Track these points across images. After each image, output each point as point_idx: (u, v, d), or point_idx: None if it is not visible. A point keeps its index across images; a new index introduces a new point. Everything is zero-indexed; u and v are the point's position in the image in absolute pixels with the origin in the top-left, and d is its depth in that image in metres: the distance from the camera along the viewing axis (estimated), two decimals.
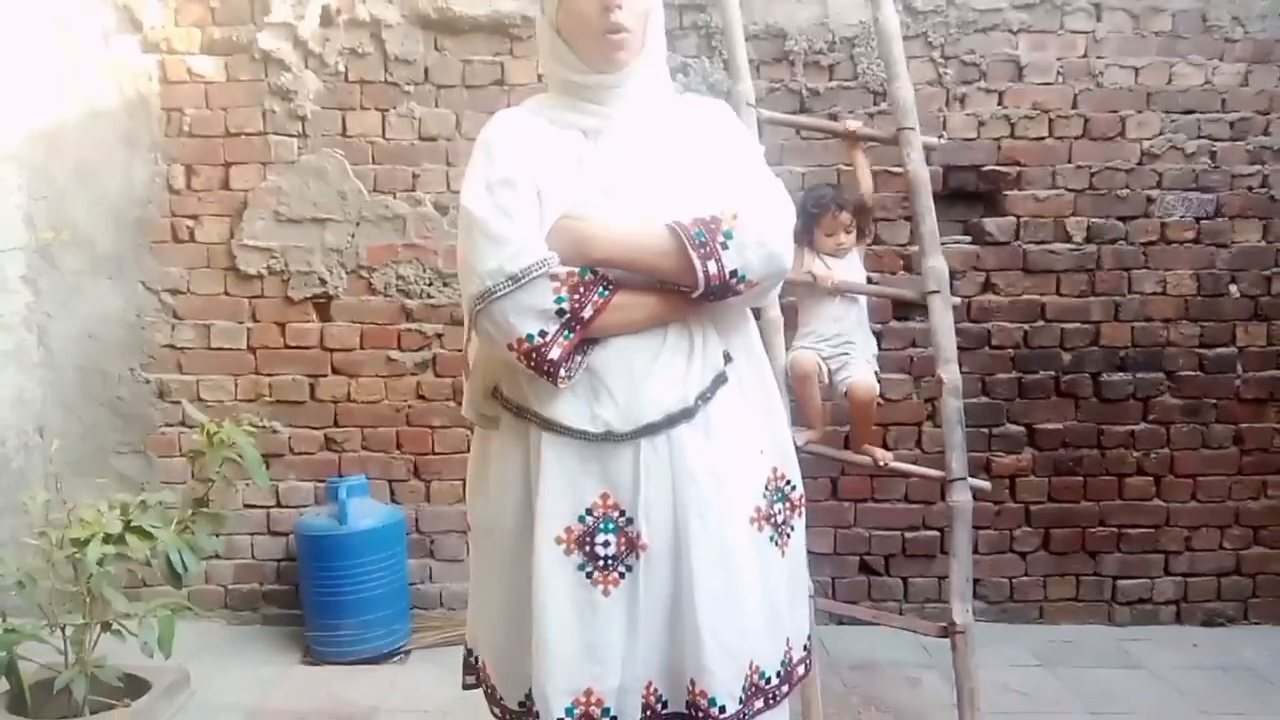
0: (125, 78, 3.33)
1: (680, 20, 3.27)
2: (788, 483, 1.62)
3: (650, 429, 1.45)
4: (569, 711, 1.46)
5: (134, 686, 2.51)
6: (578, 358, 1.44)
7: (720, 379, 1.52)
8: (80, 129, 3.34)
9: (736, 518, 1.51)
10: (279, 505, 3.40)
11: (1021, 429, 3.38)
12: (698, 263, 1.42)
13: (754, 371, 1.60)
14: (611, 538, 1.47)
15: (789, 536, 1.60)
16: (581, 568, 1.47)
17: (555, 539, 1.47)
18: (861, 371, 2.73)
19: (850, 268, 2.80)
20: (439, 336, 3.38)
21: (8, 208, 3.32)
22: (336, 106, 3.34)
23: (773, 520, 1.57)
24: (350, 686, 2.94)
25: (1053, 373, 3.38)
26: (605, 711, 1.47)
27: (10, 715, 2.35)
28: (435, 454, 3.40)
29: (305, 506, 3.36)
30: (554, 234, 1.45)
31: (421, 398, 3.39)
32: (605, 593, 1.46)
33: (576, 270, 1.43)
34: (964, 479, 2.66)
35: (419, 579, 3.40)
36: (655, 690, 1.51)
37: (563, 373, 1.43)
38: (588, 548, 1.47)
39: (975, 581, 2.71)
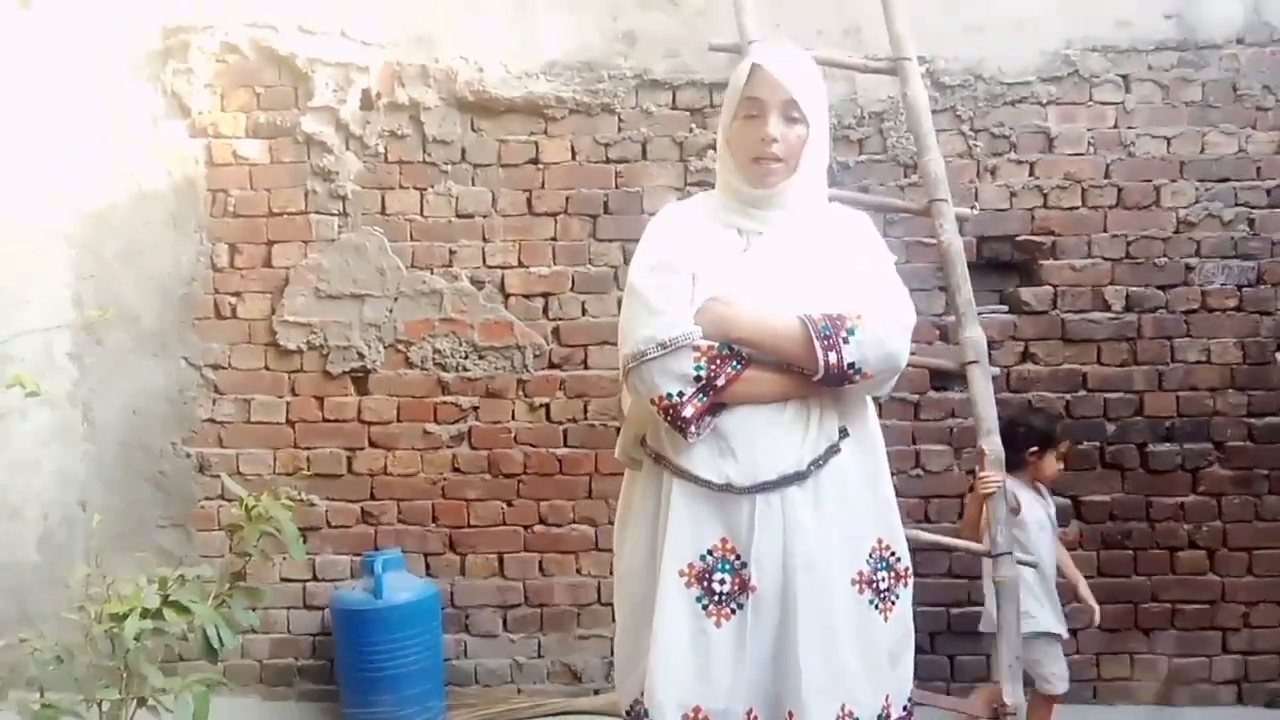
0: (173, 161, 3.44)
1: (710, 98, 3.33)
2: (893, 554, 1.80)
3: (765, 486, 1.68)
4: None
5: None
6: (708, 418, 1.69)
7: (833, 449, 1.73)
8: (129, 210, 3.44)
9: (839, 575, 1.71)
10: (315, 579, 3.39)
11: (1067, 501, 3.30)
12: (820, 352, 1.66)
13: (865, 449, 1.79)
14: (727, 577, 1.70)
15: (893, 603, 1.78)
16: (699, 600, 1.70)
17: (679, 571, 1.70)
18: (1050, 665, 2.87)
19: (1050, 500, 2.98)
20: (474, 409, 3.40)
21: (56, 286, 3.41)
22: (376, 186, 3.42)
23: (875, 586, 1.75)
24: None
25: (1097, 443, 3.32)
26: None
27: None
28: (470, 527, 3.39)
29: (341, 580, 3.34)
30: (702, 313, 1.70)
31: (457, 470, 3.39)
32: (718, 624, 1.69)
33: (716, 345, 1.68)
34: (1010, 553, 2.61)
35: (454, 655, 3.36)
36: (755, 717, 1.70)
37: (692, 429, 1.68)
38: (706, 583, 1.70)
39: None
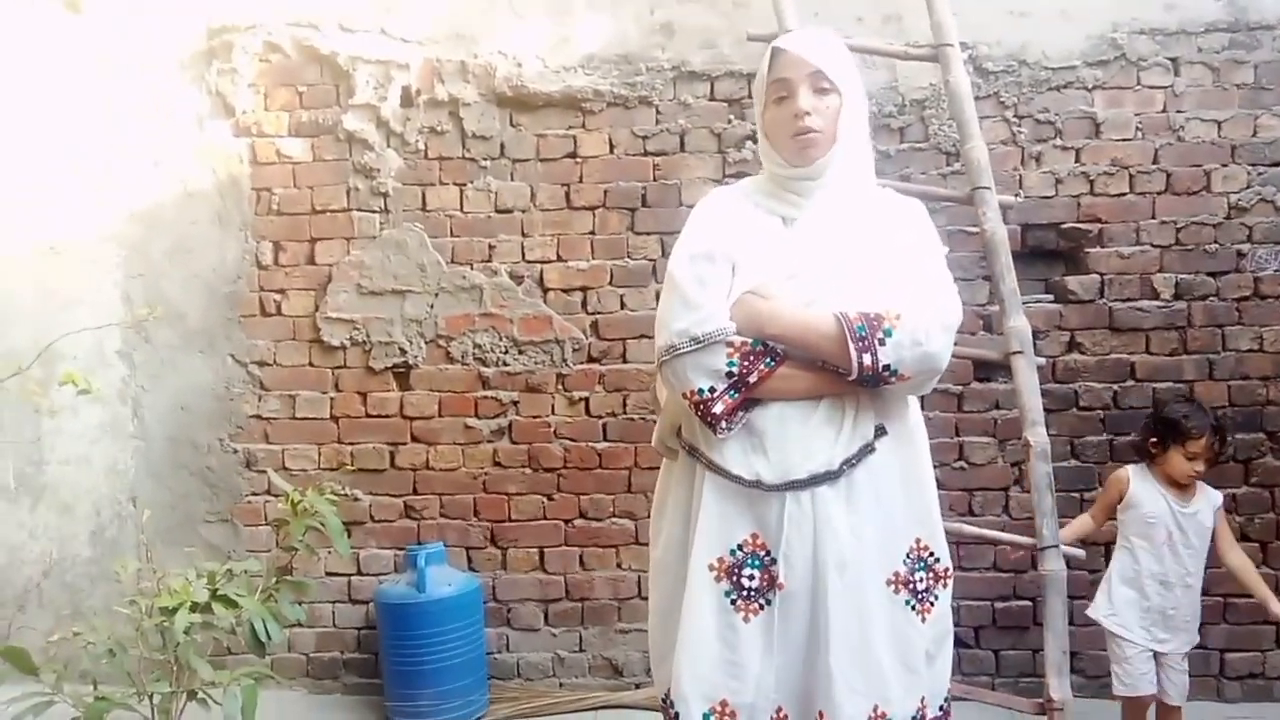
0: (218, 160, 3.49)
1: (749, 89, 3.31)
2: (931, 554, 1.76)
3: (795, 485, 1.65)
4: (705, 717, 1.67)
5: None
6: (740, 414, 1.67)
7: (867, 449, 1.69)
8: (176, 209, 3.50)
9: (873, 575, 1.69)
10: (360, 573, 3.43)
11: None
12: (854, 353, 1.62)
13: (904, 448, 1.75)
14: (756, 572, 1.68)
15: (931, 604, 1.75)
16: (728, 594, 1.69)
17: (708, 565, 1.69)
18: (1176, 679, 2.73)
19: (1197, 502, 2.73)
20: (515, 404, 3.41)
21: (106, 285, 3.48)
22: (416, 182, 3.45)
23: (911, 587, 1.73)
24: None
25: None
26: None
27: None
28: (511, 521, 3.41)
29: (385, 574, 3.38)
30: (737, 306, 1.68)
31: (498, 464, 3.41)
32: (745, 619, 1.68)
33: (750, 341, 1.66)
34: (1056, 547, 2.57)
35: (496, 648, 3.38)
36: (785, 715, 1.69)
37: (723, 425, 1.66)
38: (735, 577, 1.69)
39: (1072, 655, 2.59)
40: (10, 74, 3.47)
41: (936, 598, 1.75)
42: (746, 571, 1.67)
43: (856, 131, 1.77)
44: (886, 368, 1.62)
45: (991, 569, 3.26)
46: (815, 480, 1.64)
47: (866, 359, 1.61)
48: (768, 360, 1.65)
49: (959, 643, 3.24)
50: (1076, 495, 3.21)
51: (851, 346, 1.61)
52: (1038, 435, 2.62)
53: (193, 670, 2.37)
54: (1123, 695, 2.74)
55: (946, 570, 1.78)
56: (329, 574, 3.41)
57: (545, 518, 3.40)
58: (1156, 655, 2.70)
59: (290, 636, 3.34)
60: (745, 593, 1.67)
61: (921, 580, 1.73)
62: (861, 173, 1.80)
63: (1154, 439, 2.74)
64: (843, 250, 1.71)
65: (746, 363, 1.64)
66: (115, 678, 2.40)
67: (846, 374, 1.64)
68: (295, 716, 3.19)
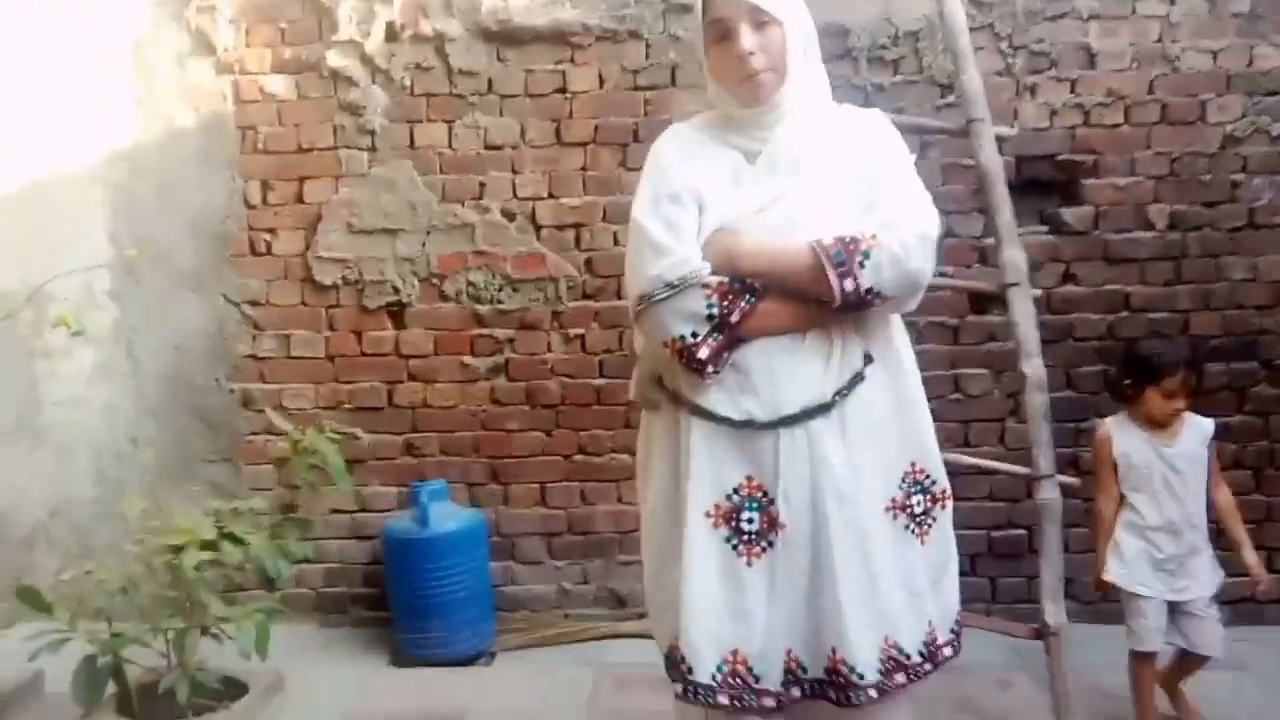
0: (201, 98, 3.43)
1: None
2: (927, 477, 1.73)
3: (789, 420, 1.61)
4: (719, 668, 1.62)
5: (232, 688, 2.57)
6: (725, 355, 1.62)
7: (857, 378, 1.65)
8: (159, 149, 3.44)
9: (872, 505, 1.65)
10: (364, 510, 3.45)
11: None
12: (834, 280, 1.57)
13: (893, 373, 1.71)
14: (755, 515, 1.63)
15: (929, 527, 1.72)
16: (728, 540, 1.64)
17: (705, 513, 1.64)
18: (1207, 615, 2.53)
19: (1184, 439, 2.53)
20: (510, 341, 3.41)
21: (94, 226, 3.43)
22: (404, 119, 3.40)
23: (909, 510, 1.70)
24: (440, 688, 2.98)
25: None
26: (750, 670, 1.63)
27: (119, 717, 2.41)
28: (512, 457, 3.43)
29: (389, 511, 3.41)
30: (709, 245, 1.64)
31: (496, 402, 3.42)
32: (749, 563, 1.63)
33: (726, 279, 1.61)
34: (1052, 476, 2.61)
35: (501, 582, 3.43)
36: (795, 657, 1.65)
37: (710, 369, 1.61)
38: (734, 523, 1.64)
39: (1066, 581, 2.64)
40: None
41: (935, 520, 1.73)
42: (745, 515, 1.63)
43: (808, 59, 1.71)
44: (869, 290, 1.58)
45: (987, 498, 3.31)
46: (809, 414, 1.60)
47: (848, 284, 1.57)
48: (747, 297, 1.60)
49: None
50: (1072, 425, 3.24)
51: (831, 273, 1.57)
52: (1034, 366, 2.64)
53: (204, 606, 2.40)
54: (1138, 650, 2.55)
55: (945, 492, 1.74)
56: (334, 511, 3.41)
57: (545, 454, 3.43)
58: (1178, 605, 2.53)
59: (299, 573, 3.36)
60: (746, 537, 1.63)
61: (919, 504, 1.70)
62: (817, 95, 1.74)
63: (1127, 381, 2.58)
64: (809, 178, 1.66)
65: (726, 302, 1.59)
66: (128, 614, 2.43)
67: (829, 302, 1.59)
68: (307, 650, 3.23)
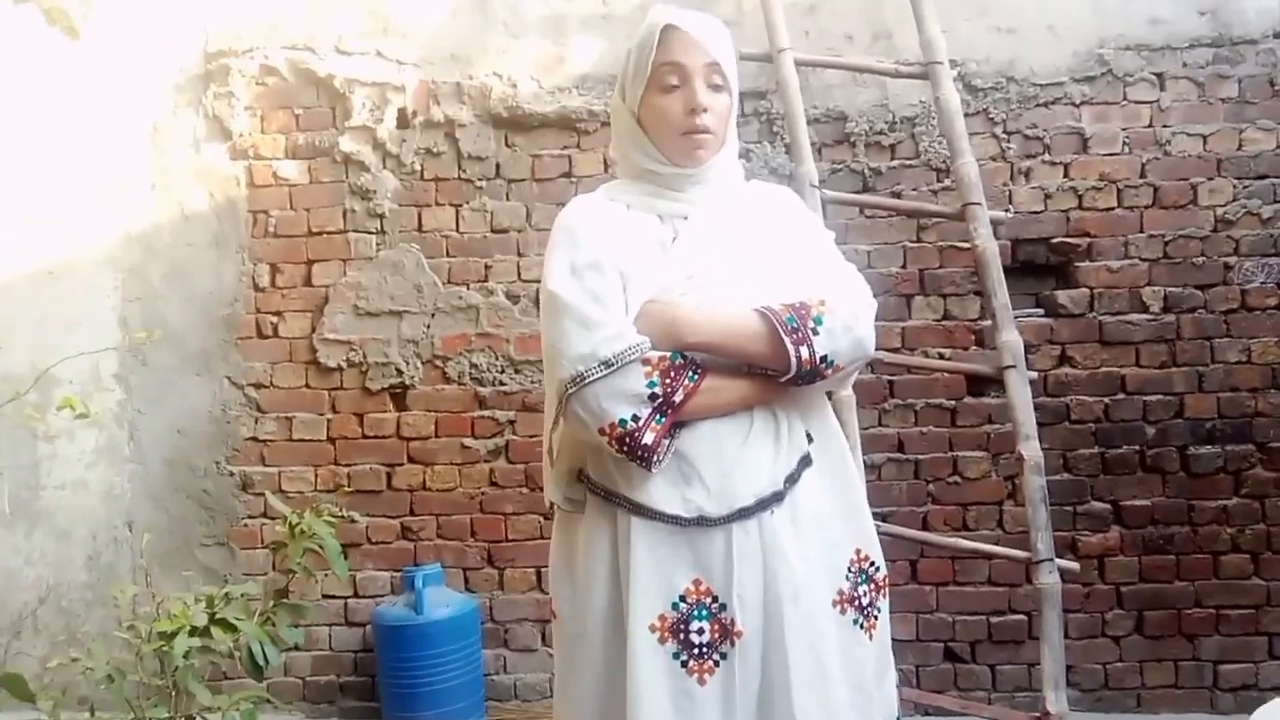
0: (215, 183, 3.51)
1: (743, 108, 3.34)
2: (871, 564, 1.60)
3: (743, 513, 1.45)
4: None
5: None
6: (669, 441, 1.45)
7: (805, 460, 1.53)
8: (173, 232, 3.51)
9: (822, 600, 1.51)
10: (357, 595, 3.43)
11: (1107, 506, 3.27)
12: (790, 348, 1.45)
13: (832, 452, 1.59)
14: (705, 625, 1.46)
15: (875, 619, 1.59)
16: (676, 656, 1.46)
17: (649, 627, 1.45)
18: None
19: None
20: (511, 423, 3.42)
21: (104, 309, 3.49)
22: (413, 203, 3.47)
23: (856, 603, 1.56)
24: None
25: (1137, 447, 3.27)
26: None
27: None
28: (509, 540, 3.41)
29: (382, 596, 3.38)
30: (644, 318, 1.47)
31: (495, 484, 3.42)
32: (701, 681, 1.45)
33: (668, 355, 1.45)
34: (1051, 560, 2.59)
35: (494, 670, 3.38)
36: None
37: (655, 457, 1.44)
38: (682, 635, 1.46)
39: (1067, 668, 2.60)
40: (8, 99, 3.49)
41: (880, 611, 1.60)
42: (694, 626, 1.45)
43: (734, 132, 1.64)
44: (824, 359, 1.46)
45: (986, 583, 3.26)
46: (763, 505, 1.46)
47: (804, 351, 1.45)
48: (690, 374, 1.45)
49: (955, 657, 3.29)
50: (1070, 509, 3.24)
51: (786, 340, 1.44)
52: (1031, 449, 2.64)
53: (191, 695, 2.38)
54: None
55: (885, 579, 1.62)
56: (326, 596, 3.40)
57: (543, 537, 3.40)
58: None
59: (287, 660, 3.34)
60: (696, 650, 1.45)
61: (865, 594, 1.57)
62: (735, 167, 1.67)
63: None
64: (736, 244, 1.55)
65: (669, 379, 1.43)
66: (113, 704, 2.41)
67: (781, 373, 1.47)
68: None
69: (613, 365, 1.42)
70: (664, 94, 1.54)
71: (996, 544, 2.97)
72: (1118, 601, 3.27)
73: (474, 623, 3.23)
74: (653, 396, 1.43)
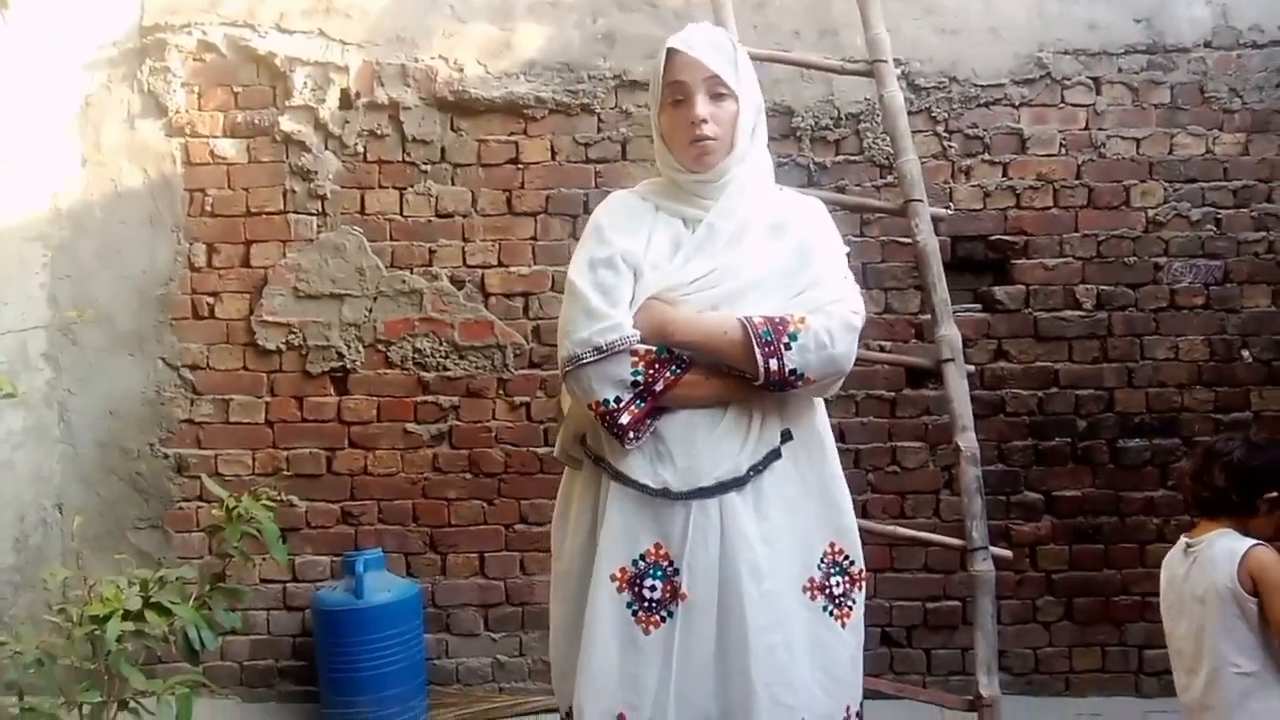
0: (149, 160, 3.42)
1: None
2: (846, 558, 1.74)
3: (702, 492, 1.63)
4: None
5: None
6: (647, 423, 1.64)
7: (774, 454, 1.67)
8: (106, 209, 3.42)
9: (789, 583, 1.66)
10: (295, 580, 3.38)
11: (1040, 496, 3.37)
12: (760, 358, 1.61)
13: (812, 450, 1.74)
14: (659, 583, 1.64)
15: (850, 609, 1.73)
16: (629, 605, 1.64)
17: (611, 576, 1.65)
18: None
19: None
20: (455, 409, 3.40)
21: (32, 286, 3.38)
22: (355, 186, 3.42)
23: (828, 592, 1.71)
24: None
25: (1069, 439, 3.37)
26: None
27: None
28: (451, 526, 3.39)
29: (322, 581, 3.33)
30: (642, 313, 1.66)
31: (438, 470, 3.40)
32: (646, 631, 1.63)
33: (654, 349, 1.64)
34: (985, 548, 2.65)
35: (435, 654, 3.36)
36: None
37: (630, 435, 1.63)
38: (637, 589, 1.65)
39: (1000, 653, 2.67)
40: None
41: (854, 602, 1.74)
42: (648, 582, 1.63)
43: (755, 137, 1.77)
44: (793, 372, 1.62)
45: (923, 569, 3.35)
46: (723, 487, 1.62)
47: (773, 364, 1.61)
48: (674, 368, 1.64)
49: (891, 642, 3.36)
50: (1004, 498, 3.32)
51: (758, 352, 1.60)
52: (968, 440, 2.70)
53: (124, 679, 2.31)
54: None
55: (861, 573, 1.76)
56: (264, 581, 3.34)
57: (486, 522, 3.40)
58: None
59: (224, 644, 3.27)
60: (647, 604, 1.63)
61: (838, 585, 1.71)
62: (761, 175, 1.80)
63: (1273, 494, 2.13)
64: (747, 253, 1.70)
65: (652, 371, 1.62)
66: (43, 688, 2.34)
67: (753, 379, 1.62)
68: None
69: (604, 352, 1.62)
70: (673, 110, 1.73)
71: (933, 532, 3.03)
72: (1048, 588, 3.37)
73: (415, 607, 3.21)
74: (635, 384, 1.62)
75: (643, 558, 1.65)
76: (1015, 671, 3.31)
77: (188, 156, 3.42)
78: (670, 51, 1.72)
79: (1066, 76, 3.39)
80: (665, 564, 1.64)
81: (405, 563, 3.38)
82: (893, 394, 3.37)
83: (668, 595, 1.63)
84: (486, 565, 3.40)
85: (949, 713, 2.79)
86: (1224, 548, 2.12)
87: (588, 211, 3.36)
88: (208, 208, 3.42)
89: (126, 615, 2.28)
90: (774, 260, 1.71)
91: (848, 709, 1.71)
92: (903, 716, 3.04)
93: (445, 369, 3.40)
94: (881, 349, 3.27)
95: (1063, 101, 3.40)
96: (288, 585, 3.38)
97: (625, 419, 1.62)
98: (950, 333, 2.76)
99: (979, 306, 3.41)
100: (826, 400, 1.83)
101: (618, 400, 1.62)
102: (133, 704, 2.35)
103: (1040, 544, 3.36)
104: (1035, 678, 3.35)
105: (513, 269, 3.41)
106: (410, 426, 3.40)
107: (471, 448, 3.39)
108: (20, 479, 3.35)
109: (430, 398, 3.40)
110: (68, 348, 3.40)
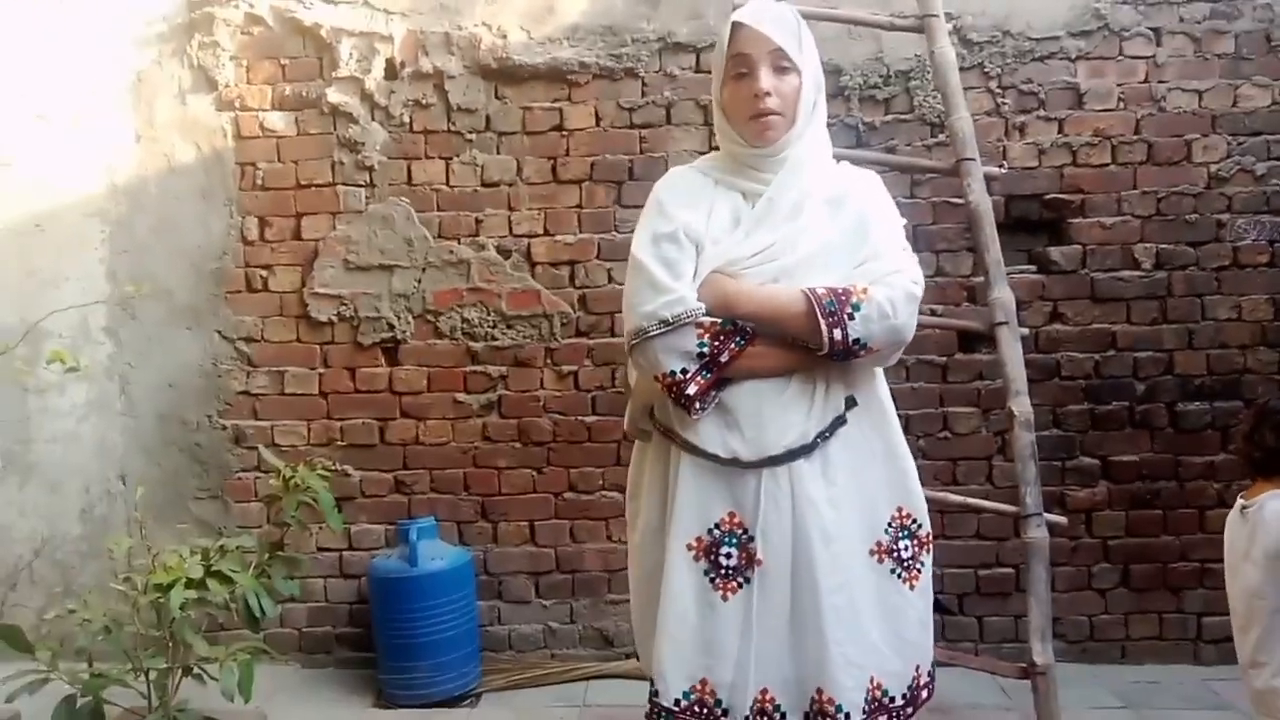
0: (201, 134, 3.46)
1: None
2: (914, 521, 1.79)
3: (772, 460, 1.66)
4: (685, 695, 1.68)
5: None
6: (712, 394, 1.68)
7: (839, 421, 1.71)
8: (159, 185, 3.47)
9: (857, 546, 1.71)
10: (351, 548, 3.44)
11: (1096, 462, 3.31)
12: (824, 329, 1.63)
13: (875, 417, 1.77)
14: (734, 551, 1.68)
15: (918, 571, 1.78)
16: (706, 573, 1.69)
17: (686, 545, 1.70)
18: None
19: None
20: (503, 378, 3.42)
21: (92, 262, 3.46)
22: (402, 156, 3.43)
23: (895, 555, 1.75)
24: None
25: (1126, 403, 3.30)
26: (718, 703, 1.67)
27: None
28: (501, 495, 3.43)
29: (377, 549, 3.39)
30: (706, 286, 1.69)
31: (488, 439, 3.43)
32: (724, 598, 1.68)
33: (719, 321, 1.67)
34: (1039, 514, 2.62)
35: (488, 621, 3.41)
36: (772, 699, 1.67)
37: (696, 406, 1.67)
38: (713, 556, 1.69)
39: (1054, 620, 2.64)
40: None
41: (922, 565, 1.78)
42: (724, 550, 1.68)
43: (816, 112, 1.77)
44: (856, 341, 1.64)
45: (975, 536, 3.31)
46: (791, 455, 1.66)
47: (837, 334, 1.63)
48: (738, 339, 1.66)
49: (943, 609, 3.33)
50: (1058, 464, 3.27)
51: (822, 322, 1.63)
52: (1021, 405, 2.65)
53: (188, 646, 2.39)
54: None
55: (929, 536, 1.81)
56: (321, 549, 3.42)
57: (535, 491, 3.43)
58: None
59: (283, 611, 3.36)
60: (723, 571, 1.68)
61: (906, 548, 1.75)
62: (820, 149, 1.80)
63: None
64: (806, 226, 1.72)
65: (717, 343, 1.65)
66: (110, 654, 2.42)
67: (817, 349, 1.65)
68: (289, 690, 3.22)
69: (670, 325, 1.65)
70: (736, 82, 1.73)
71: (986, 498, 2.99)
72: (1104, 555, 3.32)
73: (468, 575, 3.25)
74: (700, 355, 1.66)
75: (717, 526, 1.69)
76: (1070, 639, 3.27)
77: (238, 130, 3.46)
78: (735, 25, 1.72)
79: (1125, 27, 3.27)
80: (740, 531, 1.68)
81: (457, 531, 3.43)
82: (944, 359, 3.32)
83: (743, 561, 1.67)
84: (537, 533, 3.44)
85: (1003, 680, 2.76)
86: (1274, 509, 2.16)
87: (632, 178, 3.36)
88: (259, 181, 3.45)
89: (189, 583, 2.35)
90: (832, 233, 1.72)
91: (918, 669, 1.76)
92: (955, 684, 3.03)
93: (493, 339, 3.42)
94: (933, 313, 3.21)
95: (1121, 54, 3.29)
96: (344, 553, 3.45)
97: (692, 389, 1.65)
98: (1004, 295, 2.71)
99: (1034, 268, 3.34)
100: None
101: (684, 371, 1.65)
102: (197, 670, 2.42)
103: (1096, 510, 3.30)
104: (1090, 645, 3.31)
105: (558, 238, 3.41)
106: (460, 396, 3.43)
107: (520, 417, 3.42)
108: (86, 451, 3.45)
109: (479, 368, 3.43)
110: (127, 322, 3.48)
